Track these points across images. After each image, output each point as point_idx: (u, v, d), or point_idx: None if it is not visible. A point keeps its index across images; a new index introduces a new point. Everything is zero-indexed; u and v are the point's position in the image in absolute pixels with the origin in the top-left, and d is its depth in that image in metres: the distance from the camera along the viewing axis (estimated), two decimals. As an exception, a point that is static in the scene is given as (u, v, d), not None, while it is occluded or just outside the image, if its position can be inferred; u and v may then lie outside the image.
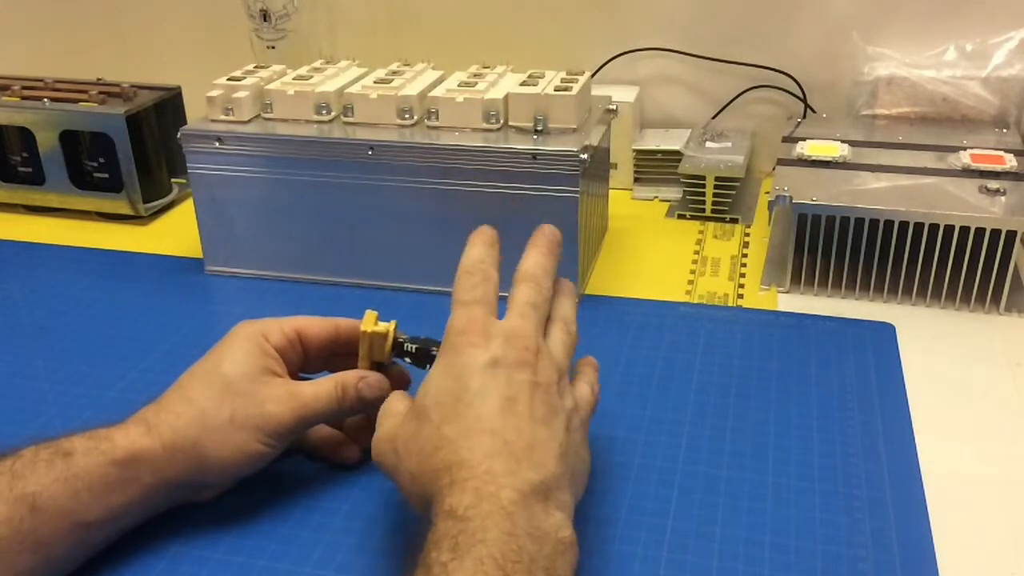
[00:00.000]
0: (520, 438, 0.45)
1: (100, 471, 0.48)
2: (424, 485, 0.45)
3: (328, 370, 0.58)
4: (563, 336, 0.52)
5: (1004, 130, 0.90)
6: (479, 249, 0.53)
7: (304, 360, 0.57)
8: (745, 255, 0.86)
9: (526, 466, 0.44)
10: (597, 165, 0.81)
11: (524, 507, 0.42)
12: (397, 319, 0.57)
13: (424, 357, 0.56)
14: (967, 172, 0.79)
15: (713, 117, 1.03)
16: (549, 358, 0.49)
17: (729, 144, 0.95)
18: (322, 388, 0.54)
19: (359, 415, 0.58)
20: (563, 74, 0.81)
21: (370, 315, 0.56)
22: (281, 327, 0.56)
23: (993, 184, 0.76)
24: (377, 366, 0.57)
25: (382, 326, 0.56)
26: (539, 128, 0.76)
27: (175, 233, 0.92)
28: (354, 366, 0.57)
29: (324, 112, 0.79)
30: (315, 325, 0.57)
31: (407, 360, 0.57)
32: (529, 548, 0.41)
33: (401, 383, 0.58)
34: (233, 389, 0.52)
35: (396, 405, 0.50)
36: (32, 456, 0.48)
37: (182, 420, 0.51)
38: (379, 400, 0.55)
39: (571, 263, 0.76)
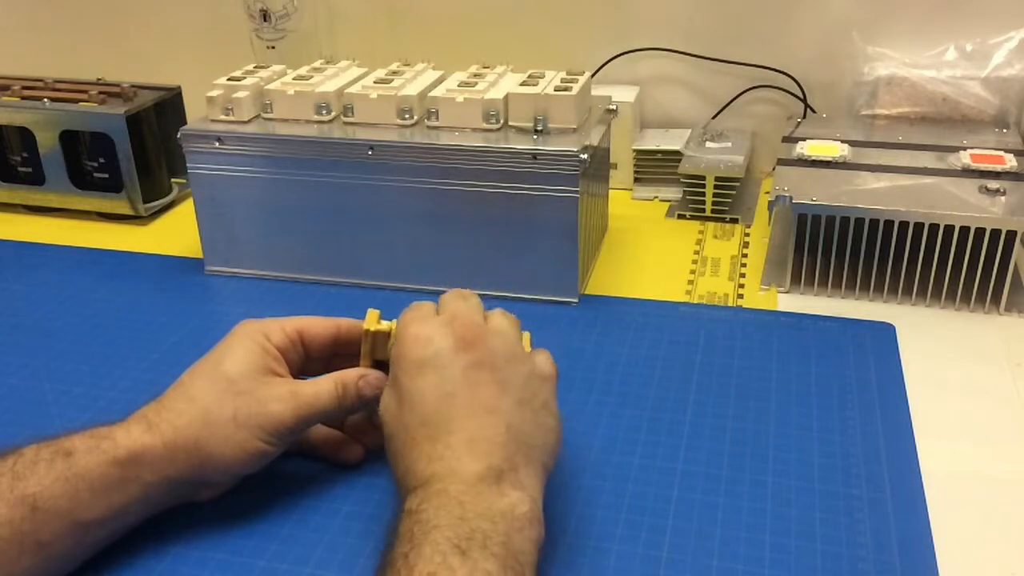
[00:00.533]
0: (460, 433, 0.46)
1: (101, 470, 0.48)
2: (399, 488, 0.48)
3: (328, 371, 0.58)
4: (503, 314, 0.53)
5: (1004, 130, 0.90)
6: None
7: (305, 360, 0.57)
8: (745, 255, 0.86)
9: (468, 461, 0.45)
10: (597, 165, 0.81)
11: (473, 494, 0.44)
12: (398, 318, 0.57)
13: None
14: (967, 172, 0.79)
15: (713, 117, 1.03)
16: (494, 331, 0.51)
17: (729, 144, 0.95)
18: (322, 387, 0.54)
19: (360, 414, 0.58)
20: (563, 74, 0.81)
21: (372, 313, 0.56)
22: (283, 327, 0.56)
23: (993, 184, 0.76)
24: (378, 365, 0.57)
25: (385, 324, 0.56)
26: (539, 128, 0.76)
27: (175, 233, 0.92)
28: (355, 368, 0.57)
29: (324, 112, 0.79)
30: (317, 325, 0.57)
31: None
32: (483, 527, 0.42)
33: None
34: (235, 388, 0.52)
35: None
36: (33, 456, 0.48)
37: (184, 418, 0.51)
38: (379, 399, 0.56)
39: (571, 263, 0.76)
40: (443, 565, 0.40)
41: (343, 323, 0.58)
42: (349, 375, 0.55)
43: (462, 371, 0.48)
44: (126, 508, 0.49)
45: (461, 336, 0.49)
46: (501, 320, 0.52)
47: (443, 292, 0.77)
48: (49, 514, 0.47)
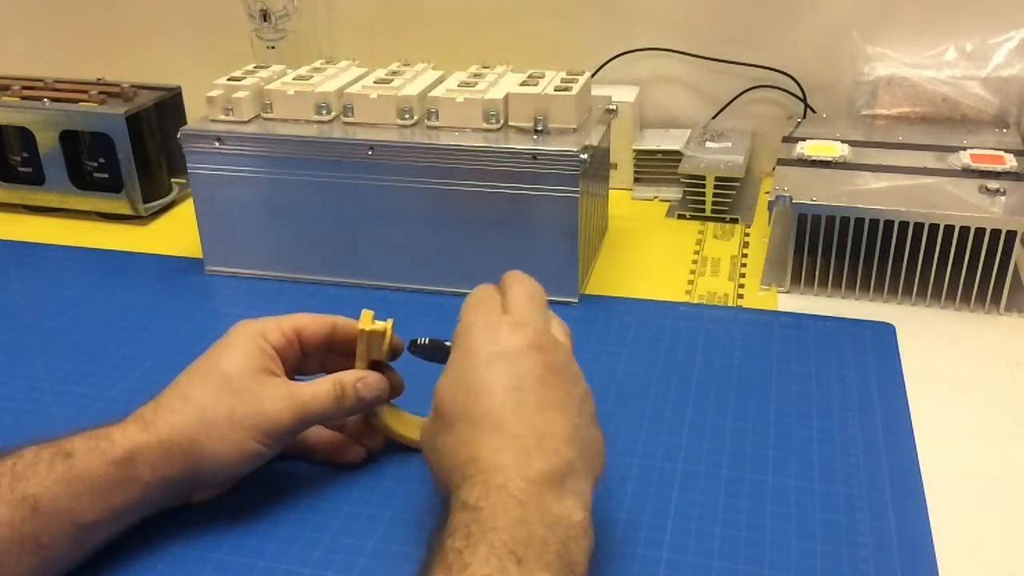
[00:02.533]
0: (531, 429, 0.45)
1: (101, 471, 0.48)
2: (446, 481, 0.46)
3: (324, 370, 0.58)
4: (560, 325, 0.52)
5: (1004, 130, 0.90)
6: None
7: (301, 359, 0.57)
8: (745, 255, 0.86)
9: (537, 457, 0.44)
10: (597, 165, 0.81)
11: (534, 495, 0.43)
12: (397, 319, 0.57)
13: (437, 351, 0.56)
14: (967, 172, 0.79)
15: (713, 117, 1.03)
16: (558, 342, 0.50)
17: (729, 144, 0.95)
18: (320, 388, 0.54)
19: (359, 416, 0.58)
20: (563, 74, 0.81)
21: (367, 314, 0.56)
22: (280, 326, 0.56)
23: (993, 184, 0.76)
24: (374, 365, 0.57)
25: (380, 324, 0.56)
26: (539, 128, 0.76)
27: (175, 233, 0.92)
28: (350, 366, 0.57)
29: (324, 112, 0.79)
30: (313, 324, 0.57)
31: (419, 354, 0.57)
32: (540, 533, 0.41)
33: (396, 384, 0.58)
34: (232, 387, 0.52)
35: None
36: (33, 457, 0.48)
37: (179, 416, 0.51)
38: (377, 401, 0.56)
39: (571, 263, 0.76)
40: (499, 569, 0.39)
41: (339, 321, 0.58)
42: (347, 377, 0.55)
43: (534, 370, 0.47)
44: (125, 509, 0.49)
45: (533, 339, 0.48)
46: (557, 330, 0.51)
47: (443, 292, 0.77)
48: (49, 516, 0.47)
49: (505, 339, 0.48)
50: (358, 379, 0.55)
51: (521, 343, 0.48)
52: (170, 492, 0.52)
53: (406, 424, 0.58)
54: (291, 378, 0.56)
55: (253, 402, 0.52)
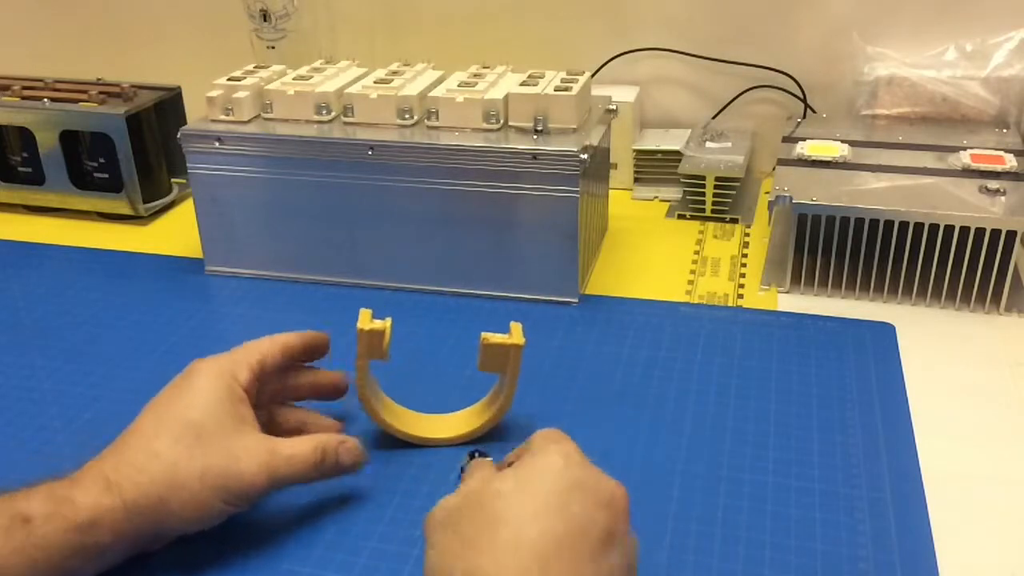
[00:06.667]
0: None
1: (60, 538, 0.45)
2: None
3: (285, 390, 0.58)
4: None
5: (1004, 130, 0.90)
6: None
7: (260, 387, 0.55)
8: (745, 255, 0.86)
9: None
10: (597, 165, 0.81)
11: None
12: (396, 319, 0.57)
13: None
14: (967, 172, 0.79)
15: (713, 117, 1.03)
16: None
17: (729, 144, 0.95)
18: (299, 450, 0.51)
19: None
20: (563, 74, 0.81)
21: (365, 313, 0.56)
22: (248, 363, 0.53)
23: (993, 184, 0.76)
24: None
25: (379, 323, 0.56)
26: (539, 128, 0.76)
27: (175, 233, 0.92)
28: (305, 378, 0.57)
29: (324, 112, 0.79)
30: (271, 351, 0.55)
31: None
32: None
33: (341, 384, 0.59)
34: (204, 442, 0.49)
35: (484, 471, 0.47)
36: None
37: (145, 476, 0.47)
38: (355, 467, 0.54)
39: (571, 263, 0.76)
40: None
41: (289, 338, 0.57)
42: (330, 441, 0.53)
43: (588, 521, 0.43)
44: (81, 571, 0.47)
45: (603, 497, 0.45)
46: None
47: (443, 292, 0.77)
48: None
49: (579, 471, 0.45)
50: (339, 443, 0.53)
51: (591, 486, 0.45)
52: (127, 551, 0.48)
53: (396, 415, 0.59)
54: (256, 411, 0.53)
55: (227, 459, 0.49)
